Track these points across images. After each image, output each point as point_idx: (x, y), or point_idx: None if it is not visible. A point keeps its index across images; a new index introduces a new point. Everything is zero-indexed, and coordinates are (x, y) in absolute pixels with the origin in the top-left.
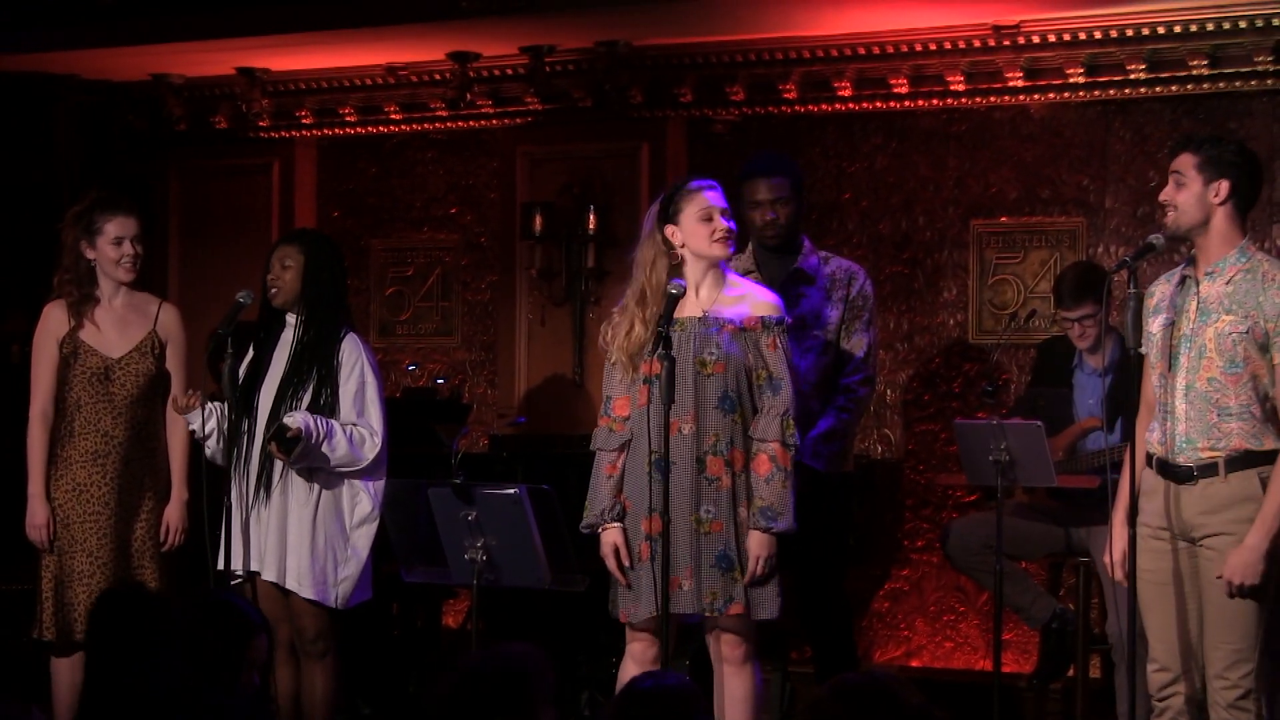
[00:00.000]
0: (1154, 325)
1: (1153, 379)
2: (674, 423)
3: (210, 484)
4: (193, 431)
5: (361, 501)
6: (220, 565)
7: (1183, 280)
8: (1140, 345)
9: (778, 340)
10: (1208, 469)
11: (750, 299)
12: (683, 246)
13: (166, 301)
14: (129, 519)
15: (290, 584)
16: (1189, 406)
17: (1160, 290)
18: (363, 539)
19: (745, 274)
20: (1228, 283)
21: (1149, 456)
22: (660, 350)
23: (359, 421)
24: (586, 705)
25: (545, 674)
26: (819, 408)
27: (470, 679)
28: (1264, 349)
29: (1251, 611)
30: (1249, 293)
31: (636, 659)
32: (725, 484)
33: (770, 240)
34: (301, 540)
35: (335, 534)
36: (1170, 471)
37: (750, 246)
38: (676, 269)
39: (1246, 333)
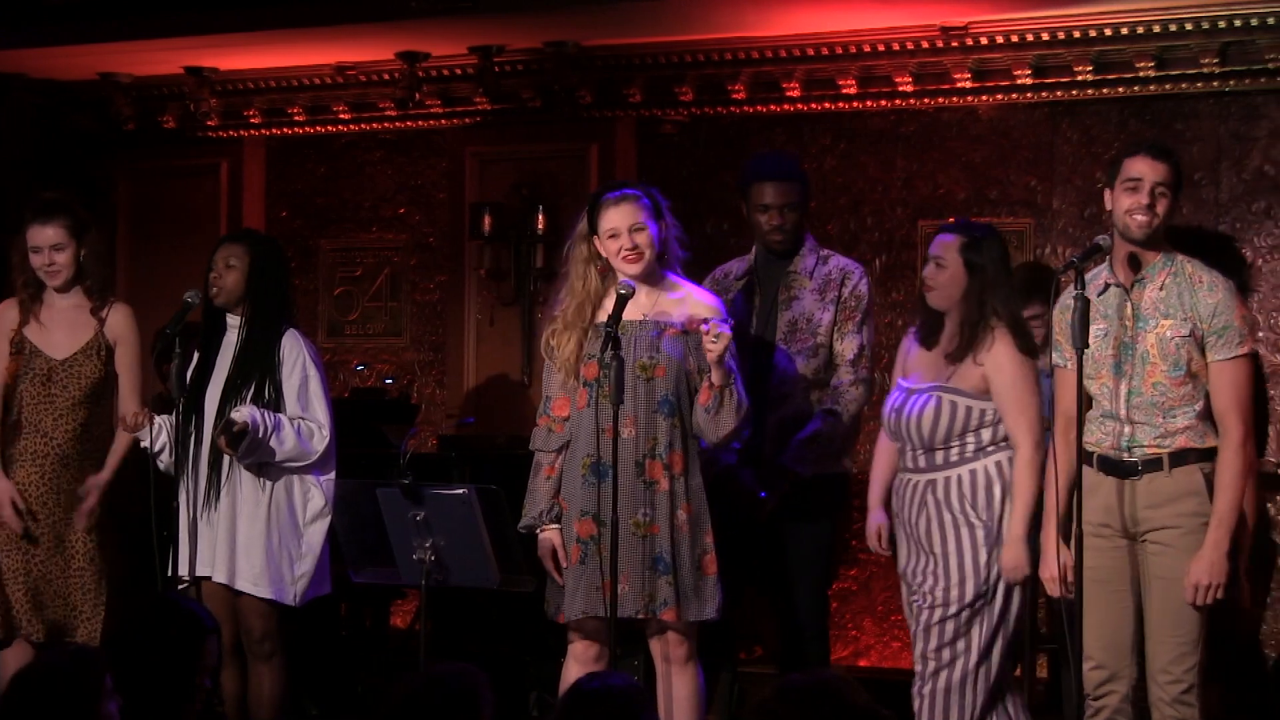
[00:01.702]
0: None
1: (1090, 388)
2: (612, 426)
3: (159, 488)
4: (145, 447)
5: (314, 498)
6: (170, 569)
7: (1106, 287)
8: (1085, 347)
9: None
10: (1152, 464)
11: (689, 300)
12: (606, 255)
13: (118, 302)
14: (67, 519)
15: (243, 585)
16: (1134, 411)
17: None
18: (316, 535)
19: (744, 275)
20: (1160, 288)
21: (1089, 455)
22: (609, 351)
23: (305, 416)
24: (535, 705)
25: (490, 694)
26: (811, 411)
27: (418, 699)
28: (1203, 350)
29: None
30: (1181, 295)
31: (578, 659)
32: (663, 487)
33: (776, 245)
34: (254, 541)
35: (289, 532)
36: (1114, 468)
37: (755, 248)
38: (610, 276)
39: (1189, 335)
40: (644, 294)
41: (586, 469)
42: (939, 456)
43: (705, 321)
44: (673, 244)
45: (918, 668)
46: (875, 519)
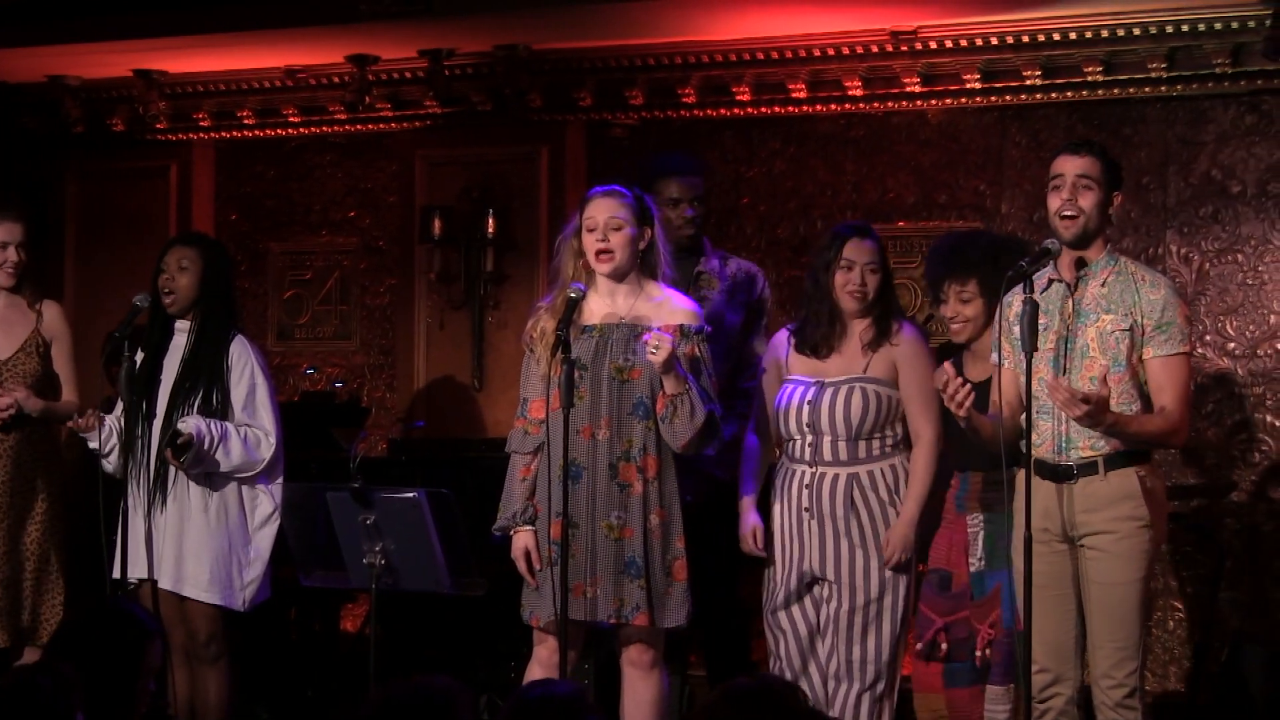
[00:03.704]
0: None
1: (1021, 385)
2: (588, 428)
3: (108, 491)
4: (94, 448)
5: (262, 503)
6: (116, 573)
7: (1050, 284)
8: (1034, 349)
9: (696, 349)
10: (1088, 467)
11: (668, 306)
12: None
13: (48, 299)
14: (22, 520)
15: (189, 590)
16: None
17: (1020, 300)
18: (265, 540)
19: None
20: (1102, 285)
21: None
22: (559, 354)
23: (252, 423)
24: (485, 709)
25: (470, 710)
26: (721, 414)
27: (395, 709)
28: (1143, 344)
29: (1135, 610)
30: (1124, 292)
31: (542, 664)
32: (637, 490)
33: (686, 240)
34: (201, 545)
35: (238, 538)
36: (1050, 471)
37: None
38: (591, 273)
39: (1129, 330)
40: (622, 296)
41: (561, 470)
42: (862, 449)
43: (647, 332)
44: (660, 251)
45: (856, 672)
46: (751, 520)
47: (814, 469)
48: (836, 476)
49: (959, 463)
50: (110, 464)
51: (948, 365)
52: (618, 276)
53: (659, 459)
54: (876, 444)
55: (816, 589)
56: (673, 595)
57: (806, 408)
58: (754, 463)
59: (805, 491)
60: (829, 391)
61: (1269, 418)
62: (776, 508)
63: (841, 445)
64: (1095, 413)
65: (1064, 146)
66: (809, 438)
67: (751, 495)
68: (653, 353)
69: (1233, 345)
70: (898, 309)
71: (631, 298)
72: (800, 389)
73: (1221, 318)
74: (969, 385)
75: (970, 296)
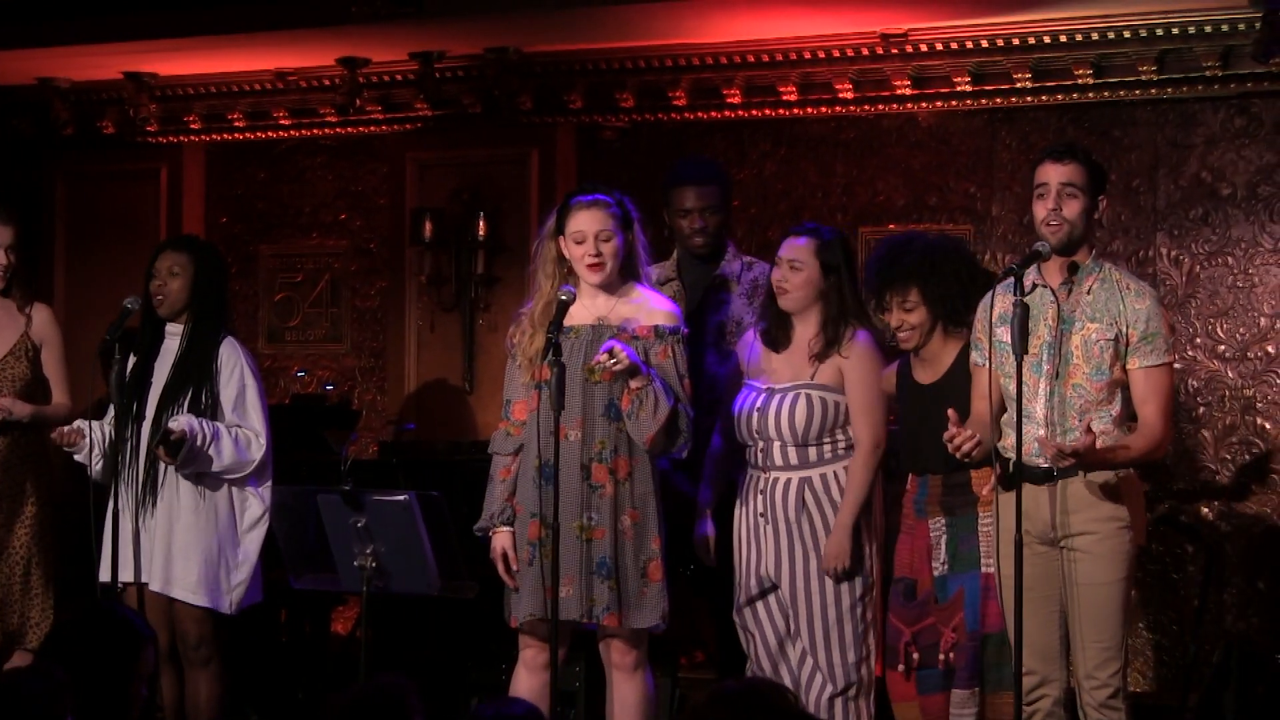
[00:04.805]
0: (1006, 335)
1: (1009, 388)
2: (561, 429)
3: (97, 495)
4: (80, 460)
5: (251, 505)
6: (106, 576)
7: (1034, 288)
8: (1025, 352)
9: (670, 349)
10: (1067, 470)
11: (645, 307)
12: (570, 258)
13: (38, 302)
14: (10, 524)
15: (178, 593)
16: (1051, 412)
17: (1002, 302)
18: (253, 542)
19: (666, 281)
20: (1088, 292)
21: (1006, 461)
22: (550, 357)
23: (242, 424)
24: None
25: (419, 702)
26: (693, 416)
27: (348, 712)
28: (1126, 355)
29: (1118, 611)
30: (1109, 300)
31: (528, 665)
32: (608, 491)
33: (698, 249)
34: (190, 548)
35: (227, 540)
36: (1029, 474)
37: (675, 253)
38: (573, 276)
39: (1114, 339)
40: (601, 299)
41: (536, 471)
42: (813, 453)
43: (607, 346)
44: (639, 254)
45: (827, 676)
46: (707, 529)
47: (767, 474)
48: (789, 481)
49: (915, 466)
50: (96, 474)
51: (951, 413)
52: (604, 283)
53: (630, 460)
54: (828, 448)
55: (780, 593)
56: (647, 596)
57: (755, 415)
58: (714, 467)
59: (760, 497)
60: (776, 398)
61: (1259, 420)
62: (738, 511)
63: (791, 450)
64: (1083, 461)
65: (1047, 152)
66: (760, 444)
67: (708, 503)
68: (616, 368)
69: (1223, 348)
70: (856, 314)
71: (612, 300)
72: (752, 395)
73: (1212, 320)
74: (974, 435)
75: (913, 305)
